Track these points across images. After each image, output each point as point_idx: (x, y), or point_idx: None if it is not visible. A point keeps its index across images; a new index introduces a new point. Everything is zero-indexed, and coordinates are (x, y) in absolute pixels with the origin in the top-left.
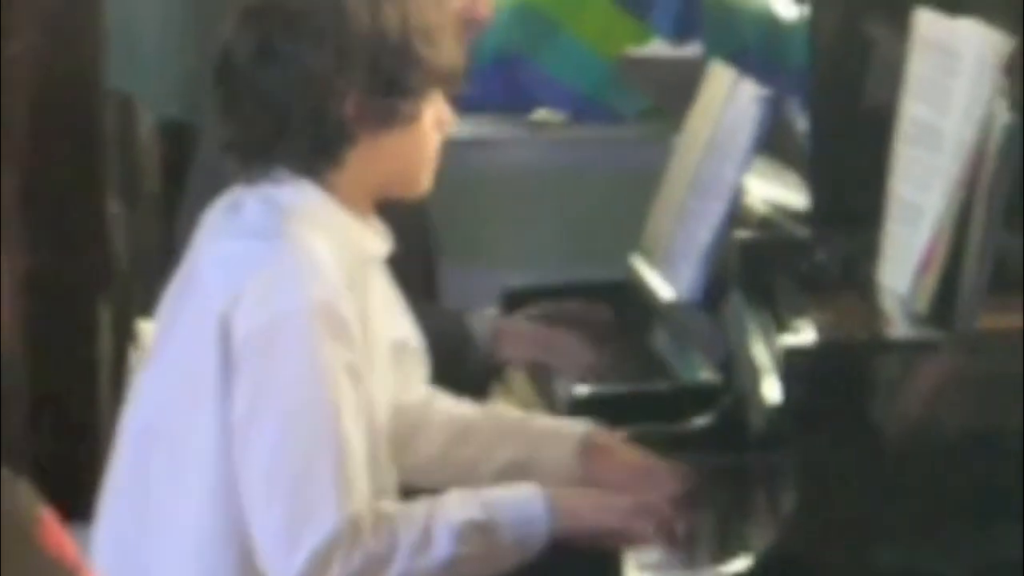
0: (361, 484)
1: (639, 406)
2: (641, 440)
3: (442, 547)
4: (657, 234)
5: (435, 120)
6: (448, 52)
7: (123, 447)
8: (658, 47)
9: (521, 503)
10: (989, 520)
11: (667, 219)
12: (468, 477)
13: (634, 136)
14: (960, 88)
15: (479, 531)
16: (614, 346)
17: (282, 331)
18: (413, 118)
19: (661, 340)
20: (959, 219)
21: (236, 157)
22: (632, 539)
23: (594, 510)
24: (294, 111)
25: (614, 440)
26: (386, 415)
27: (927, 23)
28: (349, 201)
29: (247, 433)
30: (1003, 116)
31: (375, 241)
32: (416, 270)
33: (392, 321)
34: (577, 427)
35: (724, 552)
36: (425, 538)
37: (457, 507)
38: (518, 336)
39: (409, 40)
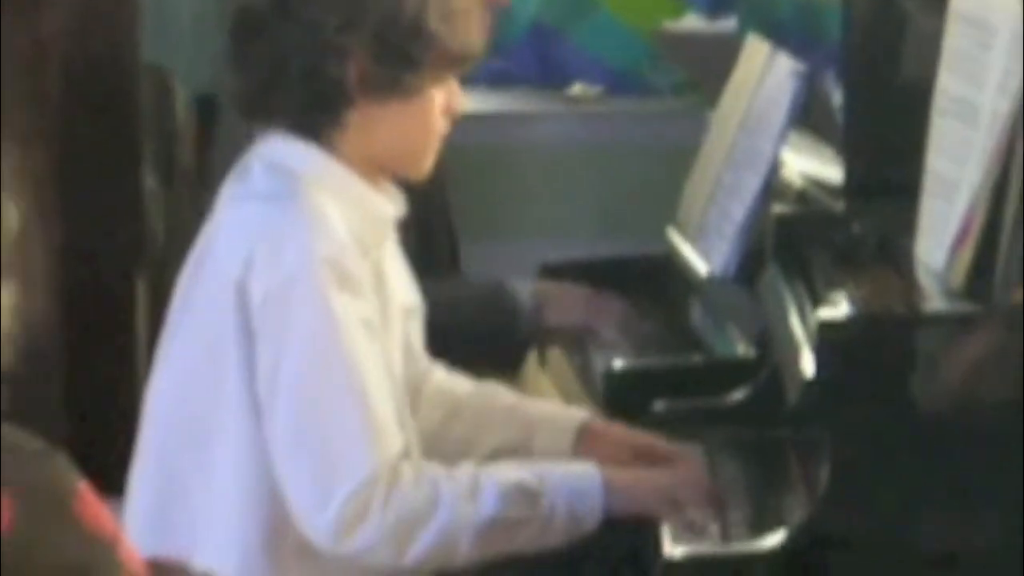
0: (391, 433)
1: (675, 380)
2: (676, 414)
3: (488, 505)
4: (693, 208)
5: (444, 103)
6: (464, 35)
7: (149, 421)
8: (693, 21)
9: (575, 477)
10: None
11: (703, 193)
12: (458, 455)
13: (670, 111)
14: (995, 61)
15: (527, 496)
16: (650, 321)
17: (293, 290)
18: (416, 93)
19: (697, 314)
20: (995, 193)
21: (240, 110)
22: (679, 513)
23: (646, 488)
24: (293, 63)
25: (612, 428)
26: (402, 377)
27: None
28: (353, 163)
29: (271, 393)
30: None
31: (386, 203)
32: (442, 246)
33: (402, 287)
34: (575, 415)
35: (759, 526)
36: (471, 493)
37: (507, 468)
38: (564, 301)
39: (426, 15)
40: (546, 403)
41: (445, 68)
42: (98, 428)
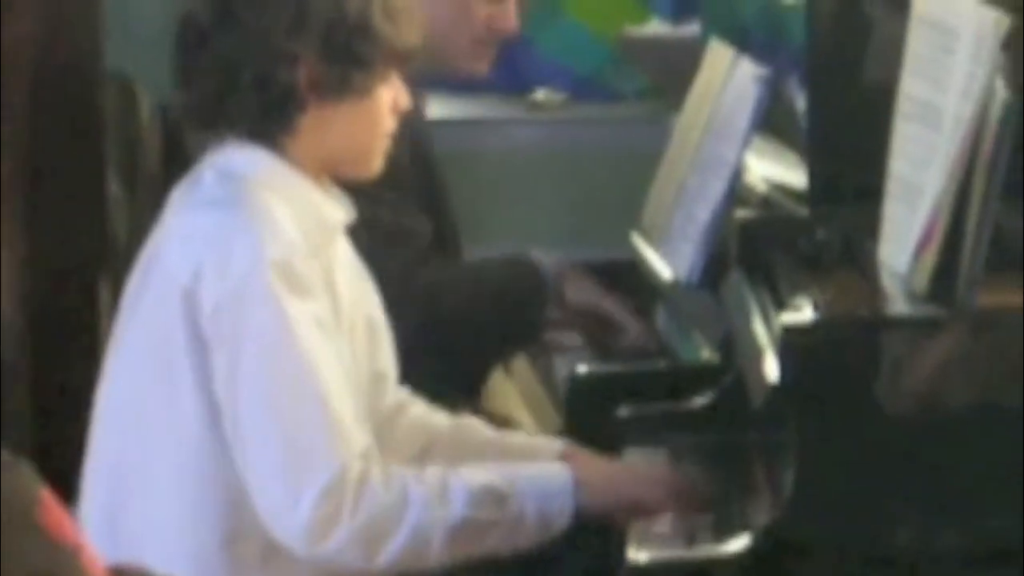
0: (353, 431)
1: (639, 385)
2: (640, 419)
3: (457, 507)
4: (657, 214)
5: (391, 101)
6: (407, 32)
7: (99, 427)
8: (657, 27)
9: (544, 477)
10: (990, 498)
11: (667, 199)
12: None
13: (633, 116)
14: (958, 66)
15: (496, 497)
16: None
17: (244, 295)
18: (366, 92)
19: (661, 320)
20: (958, 197)
21: (192, 123)
22: (651, 508)
23: (615, 483)
24: (243, 72)
25: (590, 457)
26: (366, 376)
27: (925, 1)
28: (304, 167)
29: (232, 400)
30: (1001, 93)
31: (335, 208)
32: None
33: (365, 297)
34: (553, 446)
35: (724, 531)
36: (440, 495)
37: (476, 470)
38: (582, 280)
39: (370, 14)
40: (523, 436)
41: (391, 66)
42: (64, 434)
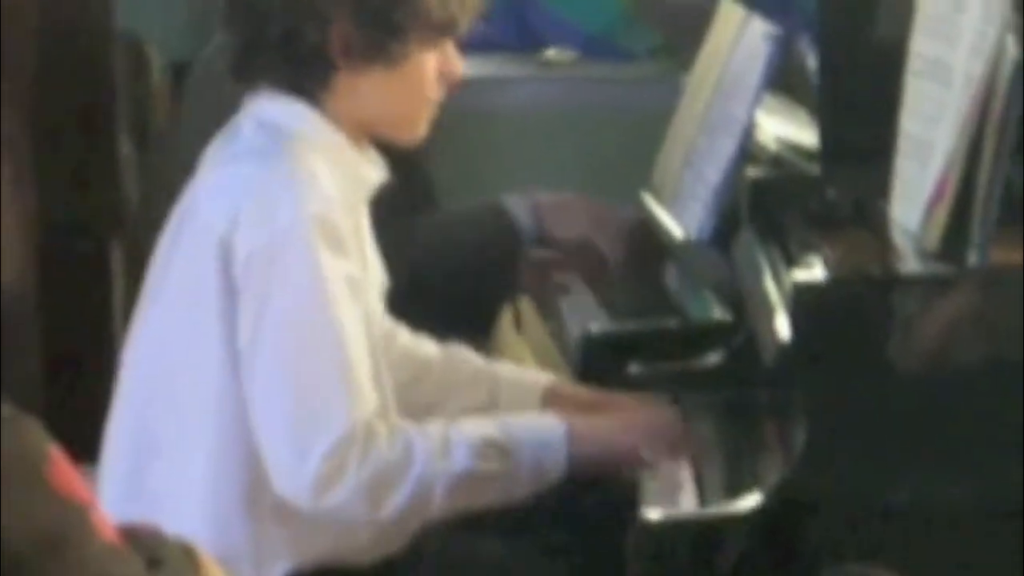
0: (369, 393)
1: (650, 344)
2: (652, 378)
3: (459, 460)
4: (668, 172)
5: (439, 68)
6: (443, 5)
7: (127, 379)
8: None
9: (539, 429)
10: (1002, 455)
11: (678, 158)
12: (424, 416)
13: (645, 75)
14: (969, 23)
15: (496, 450)
16: (626, 284)
17: (281, 247)
18: (402, 60)
19: (672, 278)
20: (969, 154)
21: (230, 70)
22: (644, 459)
23: (611, 436)
24: (271, 26)
25: (578, 389)
26: (378, 336)
27: None
28: (342, 125)
29: (252, 349)
30: (1012, 51)
31: (370, 168)
32: (418, 192)
33: (376, 259)
34: (541, 377)
35: (735, 489)
36: (443, 449)
37: (474, 425)
38: (565, 213)
39: None
40: (512, 367)
41: (432, 34)
42: (74, 395)
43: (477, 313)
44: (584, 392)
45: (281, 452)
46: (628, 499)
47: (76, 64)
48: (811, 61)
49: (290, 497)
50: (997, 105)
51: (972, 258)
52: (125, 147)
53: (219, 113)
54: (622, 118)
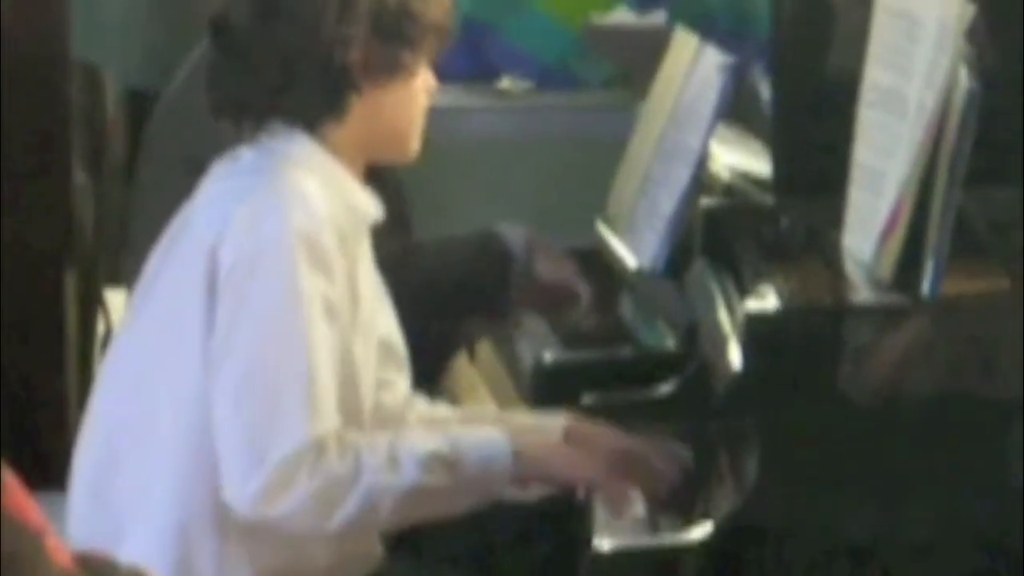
0: (330, 412)
1: (604, 373)
2: (605, 407)
3: (407, 473)
4: (622, 202)
5: (423, 84)
6: (440, 10)
7: (102, 393)
8: (623, 15)
9: (486, 443)
10: (956, 486)
11: (632, 187)
12: None
13: (599, 104)
14: (922, 54)
15: (443, 463)
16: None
17: (263, 257)
18: (413, 72)
19: (626, 308)
20: (922, 185)
21: (230, 117)
22: (610, 491)
23: (558, 456)
24: (304, 59)
25: (596, 429)
26: (371, 394)
27: None
28: (344, 155)
29: (222, 353)
30: (965, 81)
31: (366, 201)
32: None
33: (380, 315)
34: (557, 421)
35: (688, 518)
36: (391, 462)
37: (422, 438)
38: (555, 256)
39: (419, 6)
40: (527, 414)
41: (431, 44)
42: (28, 420)
43: (444, 342)
44: (602, 430)
45: (235, 457)
46: (583, 530)
47: (32, 91)
48: (765, 91)
49: (236, 503)
50: (950, 135)
51: (925, 288)
52: (80, 175)
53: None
54: (577, 147)
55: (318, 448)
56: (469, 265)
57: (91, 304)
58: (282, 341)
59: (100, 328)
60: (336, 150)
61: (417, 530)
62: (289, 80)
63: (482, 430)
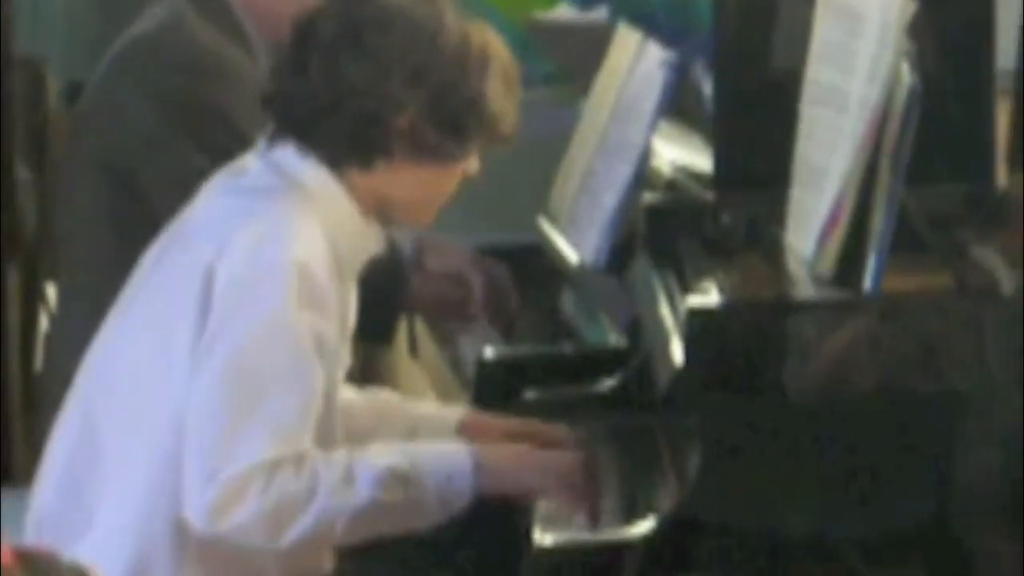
0: (293, 438)
1: (546, 369)
2: (547, 403)
3: (363, 490)
4: (564, 198)
5: (463, 167)
6: (512, 119)
7: (87, 385)
8: (565, 12)
9: (445, 459)
10: (894, 484)
11: (574, 183)
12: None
13: (542, 101)
14: (864, 50)
15: (401, 480)
16: (522, 309)
17: (258, 283)
18: (453, 160)
19: (568, 303)
20: (863, 181)
21: (272, 112)
22: (549, 495)
23: (518, 468)
24: (354, 98)
25: (491, 420)
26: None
27: None
28: (360, 199)
29: (202, 363)
30: (907, 77)
31: (372, 240)
32: None
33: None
34: (455, 411)
35: (629, 513)
36: (347, 480)
37: (380, 454)
38: (446, 249)
39: (485, 91)
40: (426, 403)
41: (485, 144)
42: None
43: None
44: (497, 420)
45: (195, 468)
46: (525, 524)
47: None
48: (707, 87)
49: (191, 515)
50: (892, 131)
51: (867, 284)
52: (22, 171)
53: (102, 154)
54: (519, 143)
55: (272, 466)
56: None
57: (32, 300)
58: (258, 364)
59: (42, 323)
60: (352, 190)
61: None
62: (332, 110)
63: (444, 444)
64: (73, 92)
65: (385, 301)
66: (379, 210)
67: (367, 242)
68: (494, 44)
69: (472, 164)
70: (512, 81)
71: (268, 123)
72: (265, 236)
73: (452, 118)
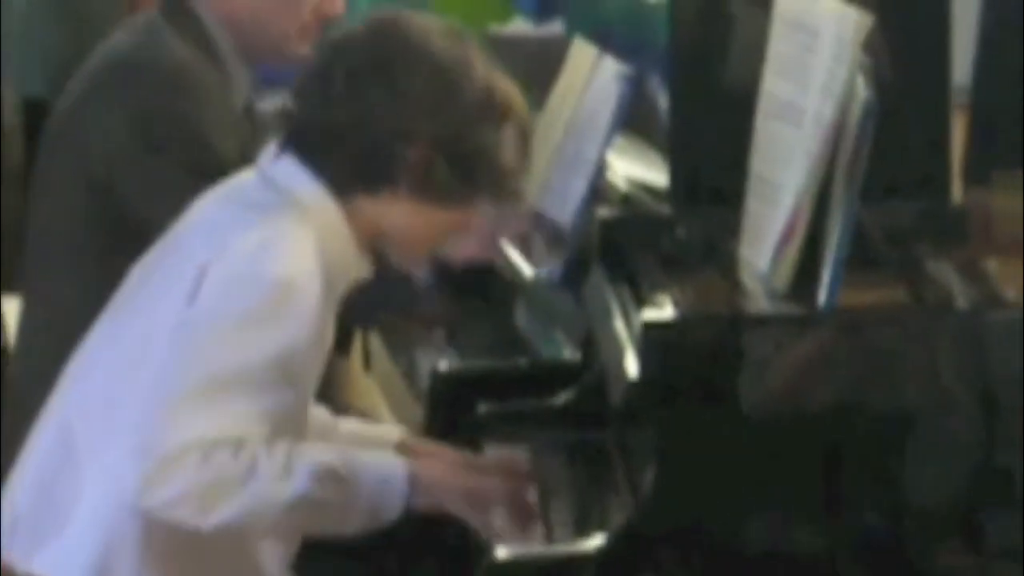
0: (249, 430)
1: (500, 383)
2: (501, 417)
3: (298, 482)
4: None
5: (463, 221)
6: (519, 177)
7: (61, 396)
8: (520, 26)
9: (380, 467)
10: (848, 498)
11: (529, 196)
12: None
13: None
14: (820, 65)
15: (335, 479)
16: (476, 323)
17: (244, 287)
18: (454, 206)
19: (522, 317)
20: (819, 196)
21: (289, 131)
22: (484, 508)
23: (453, 488)
24: (370, 124)
25: (428, 445)
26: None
27: (787, 1)
28: (355, 225)
29: (170, 340)
30: (862, 93)
31: (362, 266)
32: None
33: None
34: (393, 432)
35: (583, 527)
36: (284, 470)
37: (318, 450)
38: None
39: (500, 146)
40: (359, 423)
41: (490, 198)
42: None
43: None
44: (434, 446)
45: (131, 440)
46: (479, 538)
47: None
48: (662, 101)
49: (123, 488)
50: (847, 146)
51: (822, 299)
52: None
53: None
54: None
55: (210, 444)
56: None
57: None
58: (218, 362)
59: None
60: (351, 217)
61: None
62: (347, 134)
63: (381, 452)
64: (29, 107)
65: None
66: (373, 242)
67: (354, 268)
68: (517, 101)
69: (474, 223)
70: (528, 142)
71: (272, 142)
72: (264, 244)
73: (463, 160)
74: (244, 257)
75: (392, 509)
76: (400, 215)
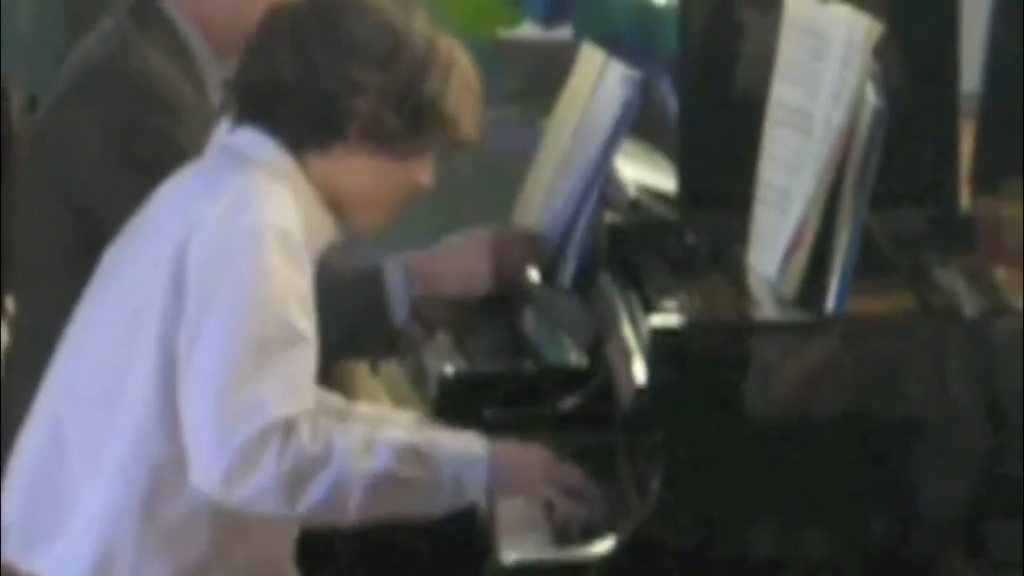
0: (306, 394)
1: (507, 388)
2: (508, 421)
3: (380, 459)
4: (527, 216)
5: (417, 177)
6: (468, 126)
7: (48, 390)
8: (529, 30)
9: (463, 446)
10: (855, 505)
11: (537, 201)
12: None
13: (505, 119)
14: (830, 72)
15: (418, 456)
16: (484, 327)
17: (235, 249)
18: (403, 157)
19: (529, 322)
20: (827, 203)
21: (237, 97)
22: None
23: (532, 467)
24: (317, 77)
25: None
26: None
27: (797, 7)
28: (315, 185)
29: (192, 341)
30: (872, 100)
31: (329, 224)
32: None
33: None
34: (408, 418)
35: (590, 533)
36: (363, 448)
37: (398, 431)
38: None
39: (446, 94)
40: (372, 407)
41: (438, 147)
42: None
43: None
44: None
45: (203, 438)
46: (486, 541)
47: None
48: (671, 106)
49: (204, 486)
50: (856, 153)
51: (830, 306)
52: None
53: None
54: (482, 161)
55: (288, 427)
56: (344, 306)
57: None
58: (253, 332)
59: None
60: (310, 176)
61: (317, 538)
62: (294, 89)
63: (461, 433)
64: (35, 106)
65: (369, 327)
66: (332, 202)
67: (325, 228)
68: (459, 54)
69: (425, 175)
70: (473, 90)
71: (228, 115)
72: (235, 205)
73: (411, 109)
74: (220, 227)
75: (476, 488)
76: (353, 171)
